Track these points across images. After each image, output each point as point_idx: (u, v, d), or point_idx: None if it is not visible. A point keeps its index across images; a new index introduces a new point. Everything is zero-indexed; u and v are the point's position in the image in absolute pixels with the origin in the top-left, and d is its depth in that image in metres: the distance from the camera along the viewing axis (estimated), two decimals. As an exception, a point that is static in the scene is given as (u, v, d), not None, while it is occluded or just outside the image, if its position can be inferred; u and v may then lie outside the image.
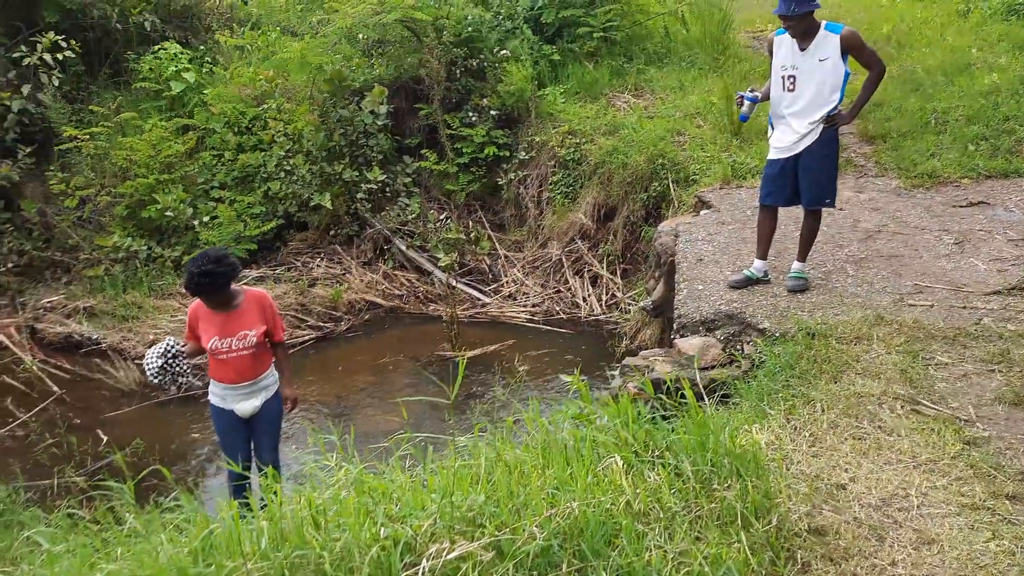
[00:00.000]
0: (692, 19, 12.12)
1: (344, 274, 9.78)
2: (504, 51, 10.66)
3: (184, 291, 6.16)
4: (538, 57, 10.98)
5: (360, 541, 2.13)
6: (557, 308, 8.98)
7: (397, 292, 9.62)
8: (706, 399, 3.67)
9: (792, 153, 5.13)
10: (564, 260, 9.40)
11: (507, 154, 10.30)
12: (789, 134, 5.13)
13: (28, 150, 10.10)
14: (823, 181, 5.18)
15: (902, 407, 3.74)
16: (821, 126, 5.02)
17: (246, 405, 4.77)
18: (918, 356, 4.28)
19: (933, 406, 3.76)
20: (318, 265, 9.91)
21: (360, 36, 10.95)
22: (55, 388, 7.52)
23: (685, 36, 12.02)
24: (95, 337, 8.44)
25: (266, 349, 4.82)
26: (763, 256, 5.54)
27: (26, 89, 10.18)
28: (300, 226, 10.35)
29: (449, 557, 2.01)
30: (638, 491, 2.38)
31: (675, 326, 5.36)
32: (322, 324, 9.00)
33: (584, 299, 9.01)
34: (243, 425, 4.85)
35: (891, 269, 5.69)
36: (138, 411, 7.17)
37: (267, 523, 2.14)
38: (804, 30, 4.89)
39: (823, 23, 4.92)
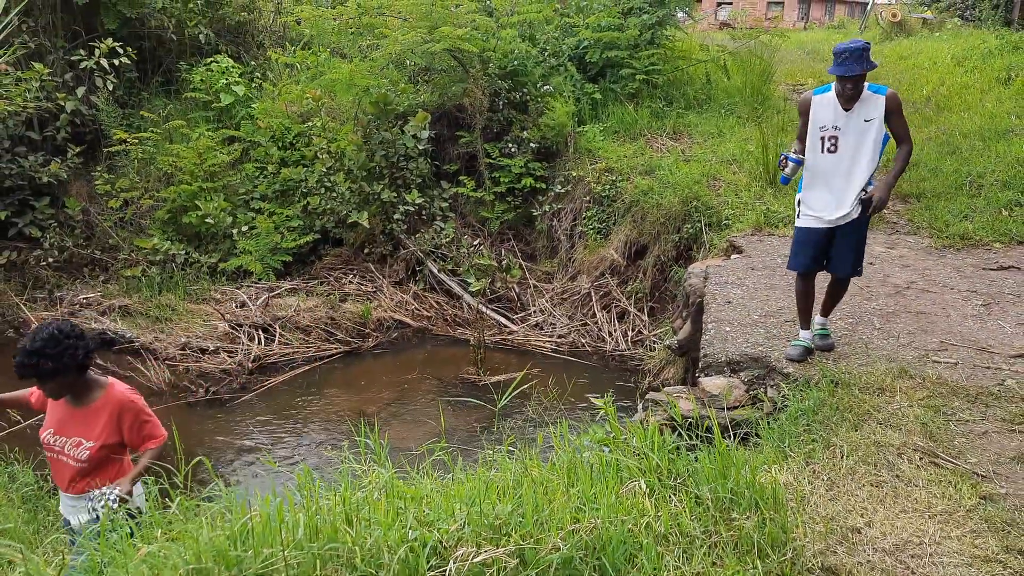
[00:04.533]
0: (734, 68, 12.30)
1: (375, 292, 9.94)
2: (547, 86, 10.89)
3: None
4: (580, 94, 11.19)
5: (390, 540, 2.23)
6: (583, 341, 9.07)
7: (426, 313, 9.76)
8: (729, 437, 3.73)
9: (834, 225, 5.03)
10: (593, 294, 9.50)
11: (543, 186, 10.47)
12: (829, 202, 4.96)
13: (77, 150, 10.44)
14: (861, 251, 5.11)
15: (920, 459, 3.79)
16: (862, 197, 4.90)
17: (71, 518, 3.83)
18: (939, 411, 4.32)
19: (951, 460, 3.80)
20: (350, 281, 10.09)
21: (408, 62, 11.22)
22: (87, 382, 7.69)
23: (726, 84, 12.20)
24: (128, 336, 8.63)
25: (107, 464, 3.76)
26: (807, 325, 5.35)
27: (80, 91, 10.53)
28: (336, 242, 10.56)
29: (475, 561, 2.10)
30: (659, 513, 2.46)
31: (700, 365, 5.42)
32: (350, 339, 9.14)
33: (610, 333, 9.09)
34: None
35: (918, 325, 5.73)
36: (167, 409, 7.32)
37: (303, 515, 2.25)
38: (859, 91, 4.84)
39: (866, 84, 4.92)
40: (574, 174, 10.30)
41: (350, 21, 11.01)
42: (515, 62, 10.87)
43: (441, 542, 2.25)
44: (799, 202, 5.17)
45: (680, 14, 12.72)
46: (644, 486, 2.60)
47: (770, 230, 8.29)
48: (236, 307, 9.28)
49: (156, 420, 3.78)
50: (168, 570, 2.12)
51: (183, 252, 9.94)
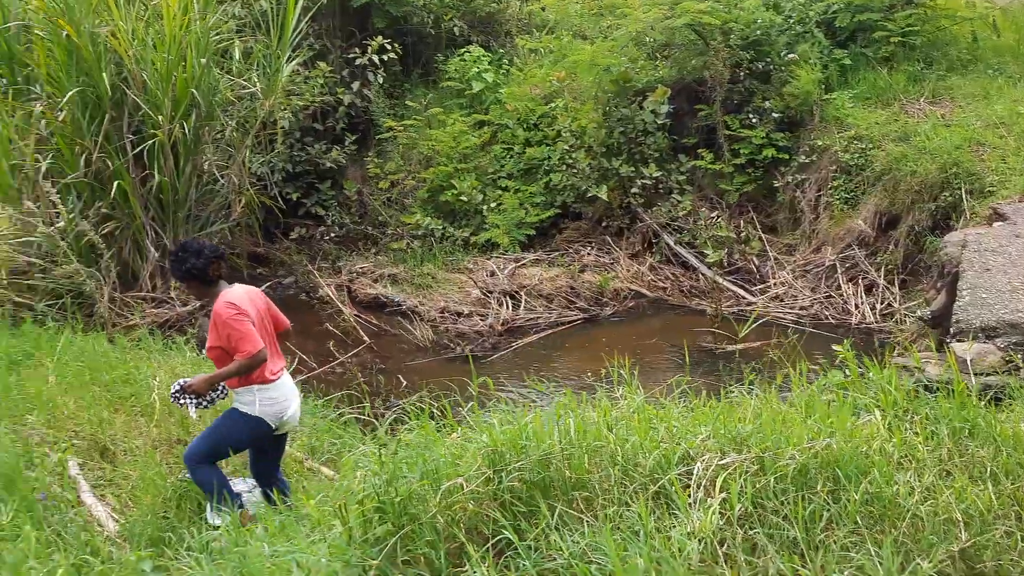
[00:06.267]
0: (1005, 25, 11.28)
1: (612, 263, 10.36)
2: (792, 54, 10.65)
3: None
4: (827, 61, 10.84)
5: (644, 443, 2.60)
6: (826, 313, 8.89)
7: (661, 284, 10.01)
8: (980, 398, 3.69)
9: None
10: (838, 266, 9.26)
11: (786, 157, 10.31)
12: None
13: (353, 138, 11.79)
14: None
15: None
16: None
17: None
18: None
19: None
20: (589, 253, 10.58)
21: (648, 39, 11.45)
22: (366, 338, 8.80)
23: (995, 43, 11.21)
24: (397, 300, 9.71)
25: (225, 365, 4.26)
26: None
27: (355, 85, 11.86)
28: (575, 216, 11.10)
29: (719, 464, 2.40)
30: (893, 439, 2.62)
31: (952, 331, 5.26)
32: (589, 307, 9.63)
33: (856, 306, 8.83)
34: None
35: None
36: (429, 363, 8.24)
37: (572, 420, 2.68)
38: None
39: None
40: (819, 143, 10.04)
41: (592, 3, 11.43)
42: (758, 32, 10.73)
43: (688, 451, 2.58)
44: None
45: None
46: (879, 416, 2.74)
47: (1041, 196, 7.66)
48: (486, 276, 10.10)
49: (247, 334, 4.12)
50: (472, 451, 2.65)
51: (440, 227, 10.95)
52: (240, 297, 4.30)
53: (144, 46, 8.95)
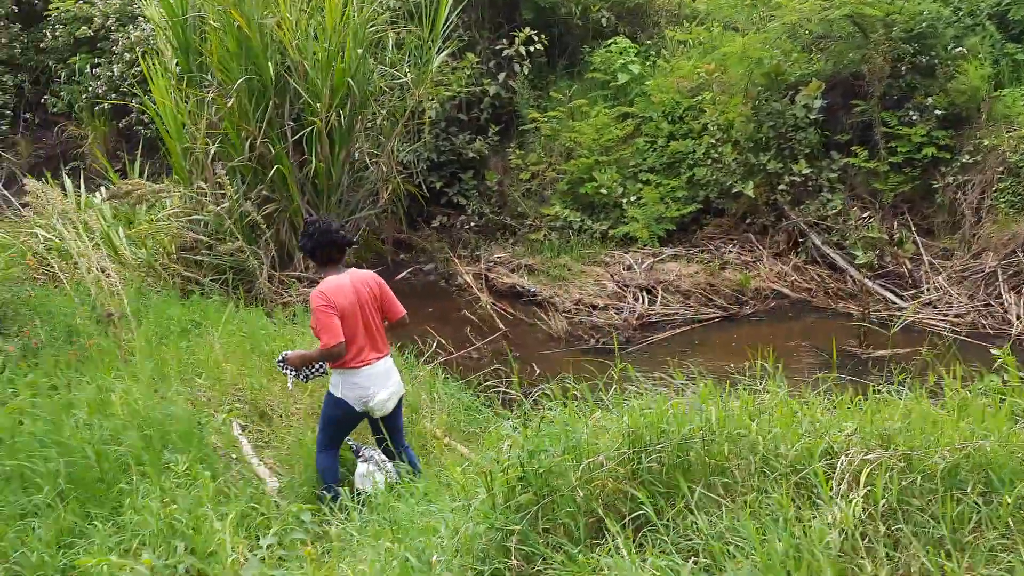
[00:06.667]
0: None
1: (754, 262, 10.13)
2: (960, 48, 10.05)
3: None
4: (999, 56, 10.16)
5: (787, 434, 2.60)
6: (984, 322, 8.37)
7: (806, 285, 9.71)
8: None
9: None
10: (999, 273, 8.70)
11: (947, 156, 9.75)
12: None
13: (496, 129, 12.05)
14: None
15: None
16: None
17: None
18: None
19: None
20: (730, 250, 10.38)
21: (803, 31, 11.09)
22: (501, 326, 9.01)
23: None
24: (532, 290, 9.87)
25: None
26: None
27: (501, 76, 12.11)
28: (717, 212, 10.92)
29: (864, 458, 2.37)
30: (1059, 449, 2.50)
31: None
32: (728, 305, 9.46)
33: (1018, 316, 8.26)
34: None
35: None
36: (563, 353, 8.35)
37: (714, 408, 2.71)
38: None
39: None
40: (986, 142, 9.43)
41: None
42: (923, 24, 10.18)
43: (831, 446, 2.56)
44: None
45: None
46: (1042, 423, 2.62)
47: None
48: (623, 269, 10.10)
49: (329, 327, 4.29)
50: (613, 431, 2.73)
51: (579, 219, 11.04)
52: (335, 288, 4.42)
53: (306, 36, 9.50)
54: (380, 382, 4.56)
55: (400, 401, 4.79)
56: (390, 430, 4.67)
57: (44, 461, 4.31)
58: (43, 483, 4.16)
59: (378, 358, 4.56)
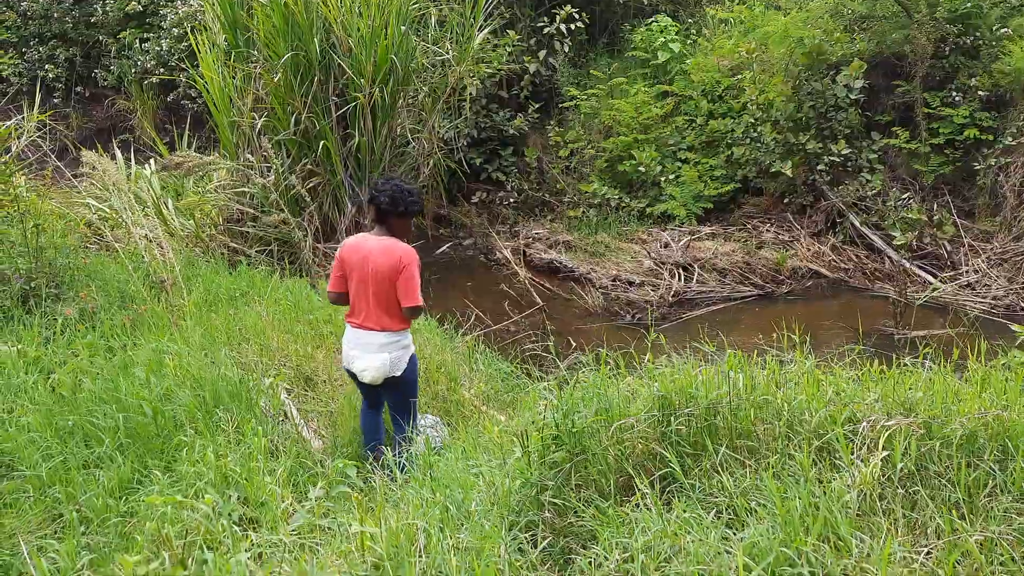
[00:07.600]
0: None
1: (792, 241, 10.14)
2: (1005, 29, 9.90)
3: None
4: (1047, 35, 9.99)
5: (811, 402, 2.72)
6: (1022, 305, 8.34)
7: (843, 266, 9.71)
8: None
9: None
10: (1039, 256, 8.64)
11: (990, 138, 9.65)
12: None
13: (536, 106, 12.11)
14: None
15: None
16: None
17: None
18: None
19: None
20: (767, 230, 10.40)
21: (845, 10, 10.99)
22: (539, 300, 9.17)
23: None
24: (570, 266, 9.99)
25: None
26: None
27: (542, 54, 12.16)
28: (755, 191, 10.92)
29: (885, 424, 2.48)
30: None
31: None
32: (764, 284, 9.51)
33: (1057, 300, 8.23)
34: None
35: None
36: (599, 328, 8.48)
37: (741, 375, 2.84)
38: None
39: None
40: (1031, 124, 9.32)
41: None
42: (968, 4, 10.04)
43: (854, 413, 2.67)
44: None
45: None
46: (1062, 395, 2.70)
47: None
48: (660, 247, 10.18)
49: (331, 276, 4.69)
50: (644, 395, 2.88)
51: (617, 197, 11.12)
52: (349, 243, 4.62)
53: (351, 13, 9.63)
54: (353, 347, 4.54)
55: (396, 387, 4.63)
56: (390, 408, 4.76)
57: (104, 417, 4.58)
58: (104, 437, 4.43)
59: (358, 325, 4.52)
